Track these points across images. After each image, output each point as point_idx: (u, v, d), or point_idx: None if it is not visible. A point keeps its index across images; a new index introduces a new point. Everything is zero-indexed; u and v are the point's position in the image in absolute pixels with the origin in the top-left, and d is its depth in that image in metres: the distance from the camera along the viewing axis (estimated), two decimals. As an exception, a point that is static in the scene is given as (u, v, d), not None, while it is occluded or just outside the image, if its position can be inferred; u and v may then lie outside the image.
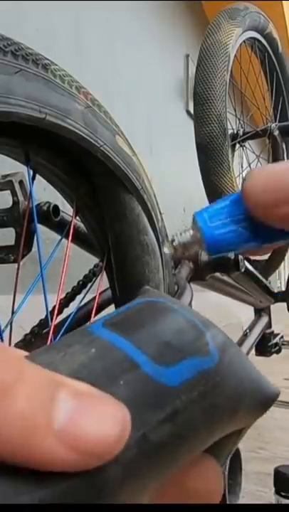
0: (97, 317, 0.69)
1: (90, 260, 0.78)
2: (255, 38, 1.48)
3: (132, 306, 0.18)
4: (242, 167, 1.60)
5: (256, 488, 1.22)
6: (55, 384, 0.12)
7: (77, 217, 0.62)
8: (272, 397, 0.19)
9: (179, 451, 0.15)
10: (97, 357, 0.15)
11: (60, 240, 0.65)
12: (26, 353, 0.14)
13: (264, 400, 0.18)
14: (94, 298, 0.71)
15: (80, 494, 0.12)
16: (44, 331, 0.72)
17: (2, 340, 0.53)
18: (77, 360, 0.14)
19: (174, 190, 2.79)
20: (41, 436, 0.11)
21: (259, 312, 1.58)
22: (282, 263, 1.54)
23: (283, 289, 1.58)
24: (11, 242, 0.66)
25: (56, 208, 0.70)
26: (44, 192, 0.88)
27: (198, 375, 0.16)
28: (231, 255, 0.95)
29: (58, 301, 0.71)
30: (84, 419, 0.11)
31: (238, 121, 1.50)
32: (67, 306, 0.78)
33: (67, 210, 0.68)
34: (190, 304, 0.75)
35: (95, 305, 0.70)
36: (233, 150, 1.46)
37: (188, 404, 0.15)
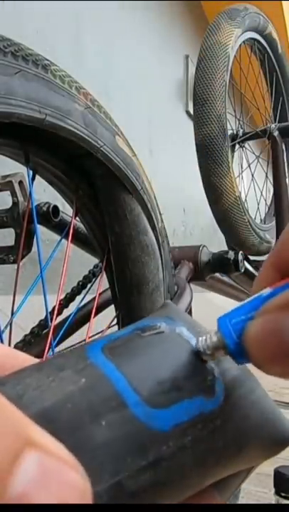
0: (98, 326, 0.69)
1: (90, 261, 0.78)
2: (254, 39, 1.48)
3: (142, 328, 0.16)
4: (242, 168, 1.60)
5: (256, 488, 1.22)
6: (23, 441, 0.11)
7: (77, 218, 0.62)
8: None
9: (162, 497, 0.14)
10: (86, 388, 0.14)
11: (60, 240, 0.65)
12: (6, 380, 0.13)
13: (278, 440, 0.17)
14: (93, 298, 0.71)
15: None
16: (44, 331, 0.72)
17: (2, 341, 0.53)
18: (65, 389, 0.14)
19: (174, 191, 2.79)
20: None
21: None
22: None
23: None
24: (11, 242, 0.66)
25: (56, 209, 0.70)
26: (44, 193, 0.88)
27: (195, 419, 0.14)
28: (231, 255, 0.95)
29: (58, 302, 0.71)
30: (41, 491, 0.10)
31: (237, 122, 1.50)
32: (66, 306, 0.78)
33: (67, 210, 0.68)
34: (190, 304, 0.75)
35: (95, 306, 0.70)
36: (233, 150, 1.46)
37: (176, 451, 0.14)
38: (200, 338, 0.16)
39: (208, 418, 0.15)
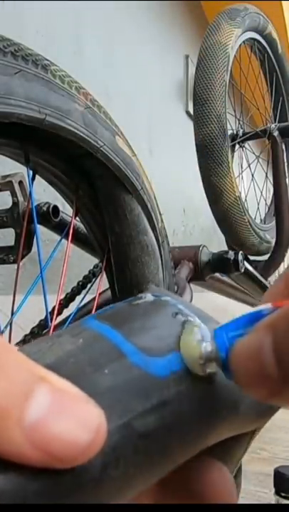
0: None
1: (90, 261, 0.78)
2: (254, 39, 1.48)
3: (130, 300, 0.18)
4: (242, 168, 1.60)
5: (256, 488, 1.22)
6: (35, 378, 0.11)
7: (77, 218, 0.62)
8: None
9: (170, 443, 0.14)
10: (85, 346, 0.14)
11: (60, 240, 0.65)
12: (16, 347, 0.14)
13: None
14: (94, 298, 0.71)
15: (65, 484, 0.11)
16: (44, 331, 0.72)
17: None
18: (65, 348, 0.14)
19: (173, 191, 2.79)
20: (10, 429, 0.10)
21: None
22: (282, 263, 1.54)
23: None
24: (11, 242, 0.66)
25: (56, 209, 0.70)
26: (44, 193, 0.88)
27: (187, 368, 0.15)
28: (231, 255, 0.95)
29: (58, 302, 0.71)
30: (56, 420, 0.11)
31: (237, 122, 1.50)
32: (66, 306, 0.78)
33: (67, 210, 0.68)
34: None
35: (95, 306, 0.70)
36: (233, 150, 1.46)
37: (176, 396, 0.14)
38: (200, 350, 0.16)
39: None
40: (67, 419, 0.11)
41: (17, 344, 0.67)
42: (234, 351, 0.14)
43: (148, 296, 0.18)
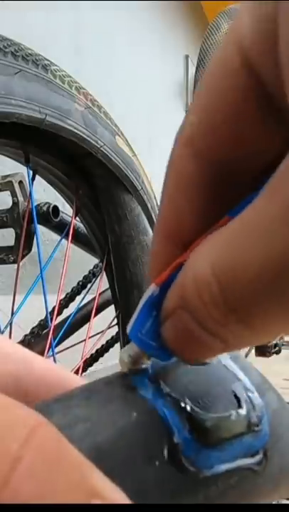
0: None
1: (90, 261, 0.78)
2: (254, 39, 1.48)
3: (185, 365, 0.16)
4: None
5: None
6: (90, 493, 0.10)
7: (77, 218, 0.62)
8: None
9: None
10: (138, 424, 0.13)
11: (60, 240, 0.65)
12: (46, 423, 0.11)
13: None
14: (94, 298, 0.71)
15: None
16: (44, 331, 0.72)
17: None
18: (117, 423, 0.13)
19: (173, 191, 2.79)
20: None
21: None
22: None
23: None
24: (11, 242, 0.66)
25: (56, 209, 0.70)
26: (44, 193, 0.88)
27: (243, 460, 0.14)
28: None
29: (58, 302, 0.71)
30: None
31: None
32: (66, 306, 0.78)
33: (67, 210, 0.68)
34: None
35: (95, 306, 0.70)
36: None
37: (224, 491, 0.14)
38: (123, 354, 0.15)
39: (253, 458, 0.14)
40: None
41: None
42: (167, 339, 0.14)
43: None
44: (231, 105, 0.13)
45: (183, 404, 0.14)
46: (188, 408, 0.14)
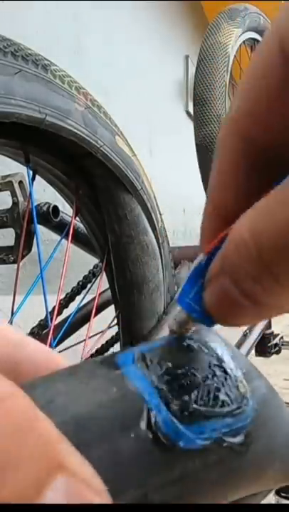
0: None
1: (90, 261, 0.78)
2: (254, 39, 1.48)
3: (170, 339, 0.17)
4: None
5: (256, 488, 1.22)
6: (53, 466, 0.10)
7: (77, 218, 0.62)
8: None
9: None
10: (117, 399, 0.14)
11: (60, 240, 0.65)
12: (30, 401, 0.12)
13: None
14: (94, 298, 0.71)
15: None
16: (44, 331, 0.72)
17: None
18: (96, 398, 0.14)
19: (173, 191, 2.79)
20: None
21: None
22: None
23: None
24: (11, 242, 0.66)
25: (56, 209, 0.70)
26: (44, 193, 0.88)
27: (223, 438, 0.14)
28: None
29: (58, 302, 0.71)
30: None
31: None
32: (66, 306, 0.78)
33: (67, 210, 0.68)
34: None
35: (95, 306, 0.70)
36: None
37: (201, 469, 0.14)
38: (171, 320, 0.17)
39: (235, 438, 0.15)
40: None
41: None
42: (208, 305, 0.15)
43: (193, 340, 0.17)
44: (270, 91, 0.14)
45: (164, 385, 0.15)
46: (168, 387, 0.15)
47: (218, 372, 0.16)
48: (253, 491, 0.16)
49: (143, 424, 0.13)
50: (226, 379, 0.16)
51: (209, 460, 0.14)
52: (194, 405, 0.14)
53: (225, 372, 0.16)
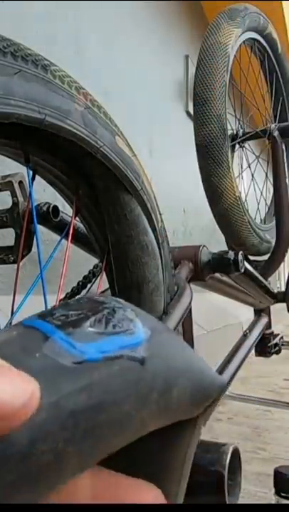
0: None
1: (90, 261, 0.78)
2: (254, 39, 1.48)
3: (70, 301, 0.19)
4: (242, 168, 1.60)
5: (256, 488, 1.22)
6: None
7: (77, 218, 0.62)
8: (217, 386, 0.19)
9: (99, 422, 0.15)
10: (18, 336, 0.16)
11: (60, 240, 0.65)
12: None
13: (207, 388, 0.18)
14: (94, 298, 0.71)
15: None
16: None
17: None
18: (1, 337, 0.16)
19: (174, 191, 2.79)
20: None
21: (259, 313, 1.58)
22: (282, 263, 1.54)
23: (283, 289, 1.58)
24: (11, 242, 0.66)
25: (56, 209, 0.70)
26: (44, 193, 0.88)
27: (121, 351, 0.16)
28: (231, 256, 0.95)
29: (58, 302, 0.71)
30: None
31: (237, 122, 1.50)
32: (67, 306, 0.77)
33: (67, 210, 0.68)
34: (189, 304, 0.75)
35: (95, 306, 0.70)
36: (233, 151, 1.46)
37: (106, 378, 0.15)
38: None
39: (131, 352, 0.16)
40: (3, 383, 0.12)
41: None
42: None
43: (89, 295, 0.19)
44: None
45: (60, 321, 0.16)
46: (64, 321, 0.16)
47: (110, 310, 0.18)
48: (167, 419, 0.18)
49: (45, 346, 0.15)
50: (115, 311, 0.18)
51: (112, 370, 0.16)
52: (89, 328, 0.16)
53: (114, 310, 0.18)
